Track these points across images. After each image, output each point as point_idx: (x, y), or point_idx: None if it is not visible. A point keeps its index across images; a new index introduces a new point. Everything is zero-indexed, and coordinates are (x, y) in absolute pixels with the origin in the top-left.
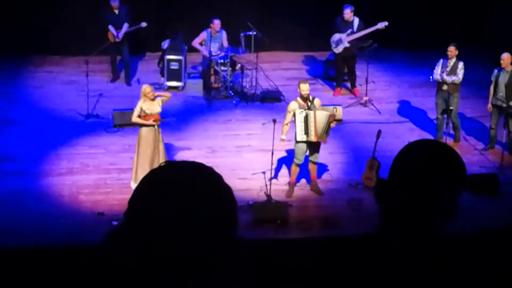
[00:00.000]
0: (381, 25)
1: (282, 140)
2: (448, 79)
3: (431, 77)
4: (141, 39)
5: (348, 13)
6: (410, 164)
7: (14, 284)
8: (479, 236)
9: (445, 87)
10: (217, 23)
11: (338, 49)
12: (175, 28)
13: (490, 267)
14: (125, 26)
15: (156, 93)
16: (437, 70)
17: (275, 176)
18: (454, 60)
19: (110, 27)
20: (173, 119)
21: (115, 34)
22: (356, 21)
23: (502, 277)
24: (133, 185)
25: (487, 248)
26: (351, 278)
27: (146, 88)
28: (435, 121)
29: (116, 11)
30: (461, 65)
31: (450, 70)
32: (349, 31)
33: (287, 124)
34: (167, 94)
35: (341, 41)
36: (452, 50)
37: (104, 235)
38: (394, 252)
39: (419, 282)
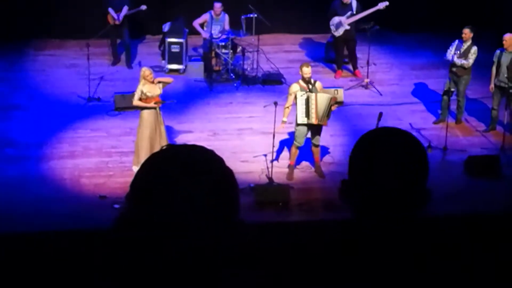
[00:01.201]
0: (382, 5)
1: (284, 122)
2: (458, 61)
3: (445, 56)
4: (141, 22)
5: None
6: (368, 157)
7: (18, 269)
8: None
9: (454, 69)
10: (218, 6)
11: (339, 32)
12: (176, 11)
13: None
14: (125, 9)
15: (158, 79)
16: (451, 50)
17: (277, 159)
18: (469, 43)
19: (110, 10)
20: (174, 101)
21: (115, 17)
22: (354, 3)
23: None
24: (135, 169)
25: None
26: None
27: (145, 71)
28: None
29: None
30: (473, 49)
31: (463, 53)
32: (348, 13)
33: (288, 106)
34: (169, 79)
35: (341, 24)
36: (466, 33)
37: (112, 221)
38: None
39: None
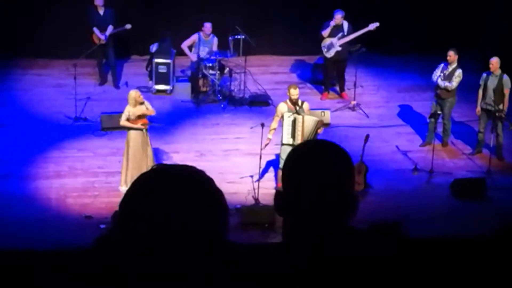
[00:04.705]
0: (373, 26)
1: (269, 139)
2: (442, 84)
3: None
4: (127, 42)
5: (338, 18)
6: (297, 169)
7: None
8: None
9: (438, 91)
10: (208, 26)
11: (330, 53)
12: (163, 31)
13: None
14: (110, 28)
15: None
16: (436, 72)
17: (260, 178)
18: (454, 66)
19: (95, 30)
20: (162, 124)
21: (100, 36)
22: (346, 24)
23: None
24: (122, 189)
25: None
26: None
27: (136, 93)
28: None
29: (101, 12)
30: (458, 72)
31: (447, 75)
32: (340, 34)
33: (274, 128)
34: (150, 112)
35: (333, 45)
36: (451, 55)
37: (93, 239)
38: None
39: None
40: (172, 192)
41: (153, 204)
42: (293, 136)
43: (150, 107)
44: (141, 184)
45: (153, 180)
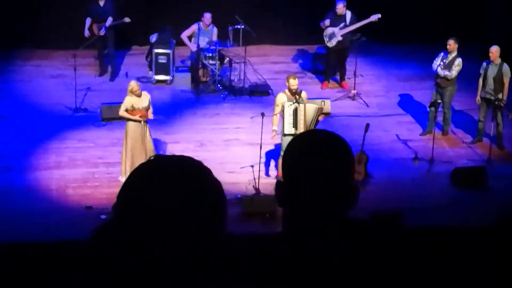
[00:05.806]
0: (374, 17)
1: (274, 130)
2: (441, 73)
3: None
4: (128, 33)
5: (340, 8)
6: (298, 159)
7: (2, 279)
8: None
9: (438, 80)
10: (208, 17)
11: (332, 43)
12: (163, 22)
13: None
14: (109, 20)
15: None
16: (436, 61)
17: (266, 172)
18: (454, 55)
19: (87, 21)
20: (160, 117)
21: (95, 29)
22: (349, 14)
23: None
24: (122, 180)
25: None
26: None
27: (134, 86)
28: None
29: (101, 3)
30: (457, 61)
31: (447, 64)
32: (341, 24)
33: (276, 114)
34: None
35: (334, 35)
36: (451, 44)
37: (92, 230)
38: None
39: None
40: (170, 183)
41: (151, 194)
42: (295, 125)
43: (150, 113)
44: (139, 175)
45: (151, 171)
